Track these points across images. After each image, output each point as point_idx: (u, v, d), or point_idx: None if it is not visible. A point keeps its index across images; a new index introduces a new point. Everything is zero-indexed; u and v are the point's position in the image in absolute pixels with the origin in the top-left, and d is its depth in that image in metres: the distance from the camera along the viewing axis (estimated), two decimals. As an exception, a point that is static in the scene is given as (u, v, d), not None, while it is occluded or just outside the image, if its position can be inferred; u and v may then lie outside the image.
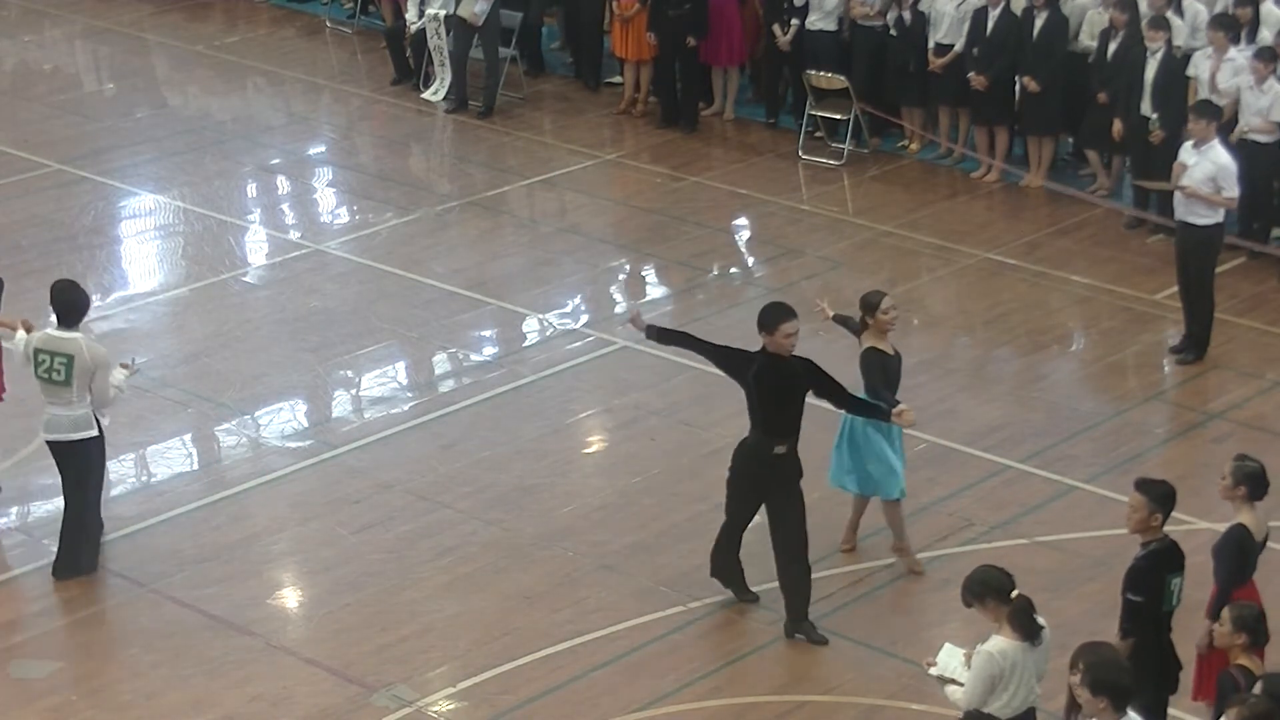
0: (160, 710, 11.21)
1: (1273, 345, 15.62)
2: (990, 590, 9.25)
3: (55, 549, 12.41)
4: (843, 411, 12.05)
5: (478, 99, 20.78)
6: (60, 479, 12.37)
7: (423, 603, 12.20)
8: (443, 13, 20.71)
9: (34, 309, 15.66)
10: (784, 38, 19.72)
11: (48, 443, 12.23)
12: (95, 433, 12.14)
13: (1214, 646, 9.70)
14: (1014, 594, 9.24)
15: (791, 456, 11.60)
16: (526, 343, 15.88)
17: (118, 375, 12.21)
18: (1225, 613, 9.34)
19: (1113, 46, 17.65)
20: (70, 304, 12.10)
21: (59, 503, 13.09)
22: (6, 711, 11.18)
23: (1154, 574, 9.88)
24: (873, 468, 12.24)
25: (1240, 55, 16.77)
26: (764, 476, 11.63)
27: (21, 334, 12.45)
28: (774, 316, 11.41)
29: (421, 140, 20.69)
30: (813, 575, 11.88)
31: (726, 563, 12.04)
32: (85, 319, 12.31)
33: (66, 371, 11.95)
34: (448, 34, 20.77)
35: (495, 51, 20.67)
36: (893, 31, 19.07)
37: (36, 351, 12.02)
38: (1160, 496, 9.94)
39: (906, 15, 18.90)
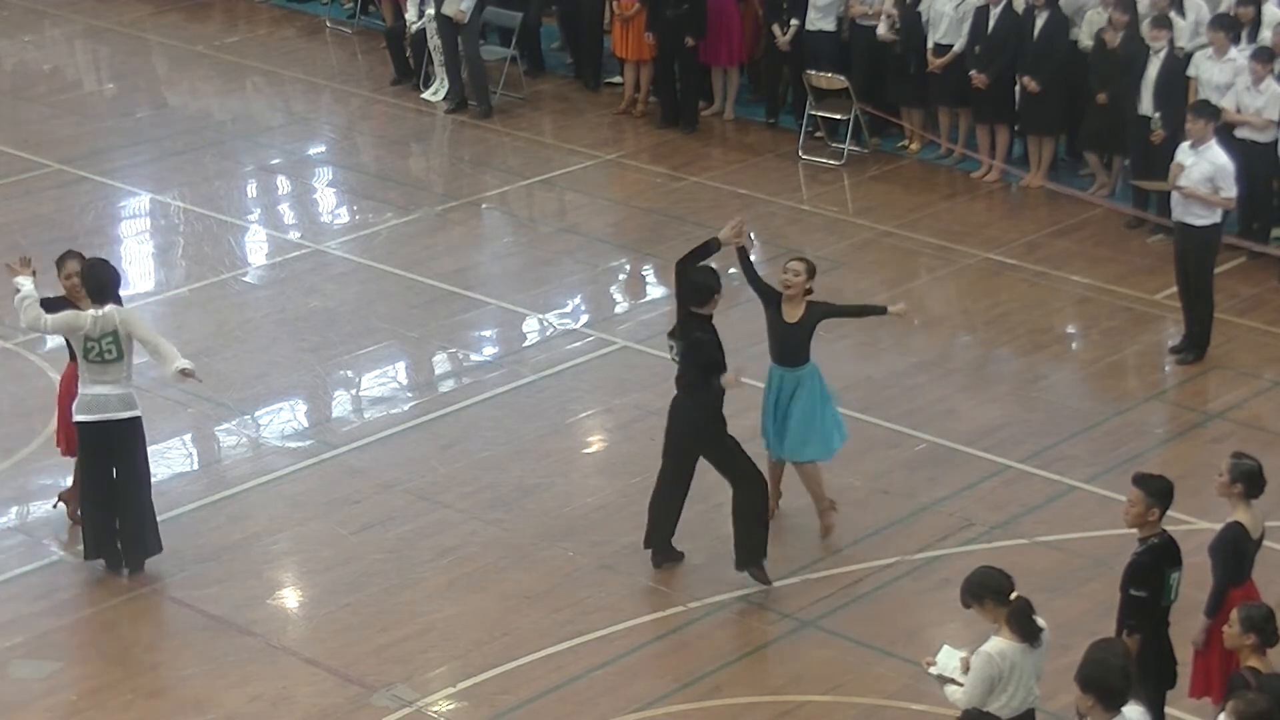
0: (160, 710, 11.22)
1: (1273, 345, 15.62)
2: (989, 591, 9.26)
3: (117, 543, 12.38)
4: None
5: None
6: (98, 466, 12.18)
7: (423, 603, 12.20)
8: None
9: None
10: (783, 38, 19.72)
11: (92, 424, 12.02)
12: (140, 412, 12.19)
13: (1223, 647, 9.70)
14: (1013, 595, 9.24)
15: None
16: (526, 343, 15.88)
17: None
18: (1234, 614, 9.31)
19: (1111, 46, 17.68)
20: (98, 281, 12.05)
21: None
22: (6, 711, 11.19)
23: (1154, 569, 9.91)
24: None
25: (1240, 55, 16.77)
26: (722, 431, 12.23)
27: (25, 280, 12.24)
28: (717, 279, 12.24)
29: (421, 140, 20.69)
30: (814, 575, 11.98)
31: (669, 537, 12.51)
32: (120, 291, 12.21)
33: (118, 348, 11.96)
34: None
35: (476, 49, 20.65)
36: (894, 30, 19.04)
37: (86, 338, 11.95)
38: (1158, 491, 9.97)
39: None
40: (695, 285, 12.18)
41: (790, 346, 12.59)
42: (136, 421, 12.19)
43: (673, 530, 12.48)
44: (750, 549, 12.20)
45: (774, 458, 12.78)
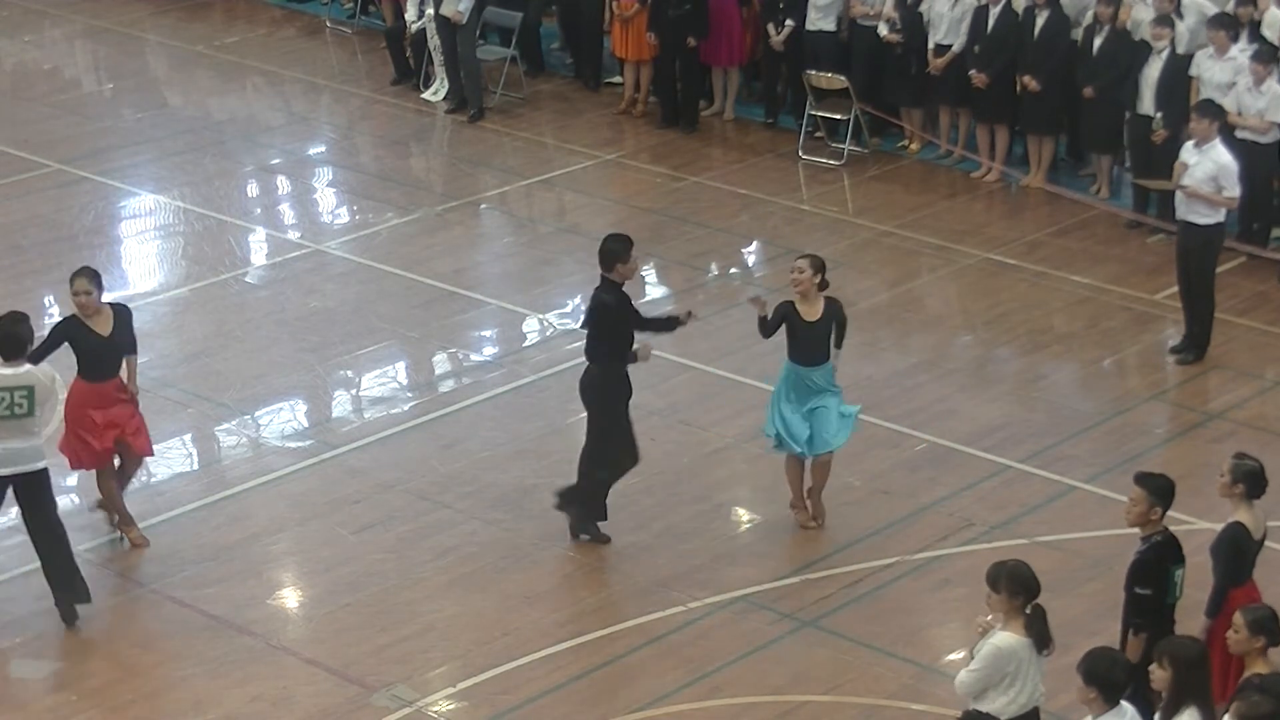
0: (160, 710, 11.22)
1: (1273, 345, 15.62)
2: (1020, 589, 9.18)
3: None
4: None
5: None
6: (23, 516, 11.93)
7: (423, 603, 12.20)
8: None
9: (34, 309, 15.71)
10: (777, 37, 19.71)
11: (6, 478, 11.65)
12: (46, 463, 11.82)
13: (1224, 647, 9.70)
14: (1034, 604, 9.25)
15: None
16: (526, 343, 15.88)
17: None
18: (1238, 618, 9.27)
19: (1098, 42, 17.71)
20: (14, 337, 11.59)
21: (61, 503, 13.10)
22: (6, 711, 11.19)
23: (1158, 565, 9.94)
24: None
25: (1241, 55, 16.76)
26: (627, 398, 12.52)
27: None
28: (626, 246, 12.42)
29: (421, 140, 20.68)
30: (814, 575, 12.03)
31: (599, 507, 12.80)
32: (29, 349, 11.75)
33: (29, 403, 11.53)
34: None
35: (473, 51, 20.63)
36: (894, 34, 19.01)
37: None
38: (1160, 490, 9.98)
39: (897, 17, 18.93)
40: (603, 249, 12.49)
41: (809, 345, 12.57)
42: (46, 471, 11.78)
43: (603, 502, 12.78)
44: (591, 511, 12.78)
45: (802, 455, 12.70)
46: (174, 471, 13.81)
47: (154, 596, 12.28)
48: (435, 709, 11.19)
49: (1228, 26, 16.94)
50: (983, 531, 12.91)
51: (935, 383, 14.94)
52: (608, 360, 12.45)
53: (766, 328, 12.59)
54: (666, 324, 12.84)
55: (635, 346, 12.47)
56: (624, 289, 12.48)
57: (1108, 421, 14.40)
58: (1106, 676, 8.53)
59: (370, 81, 21.97)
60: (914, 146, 19.59)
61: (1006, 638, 9.20)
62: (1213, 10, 17.51)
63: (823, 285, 12.50)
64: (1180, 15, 17.60)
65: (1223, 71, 16.80)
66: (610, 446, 12.62)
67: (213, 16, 24.40)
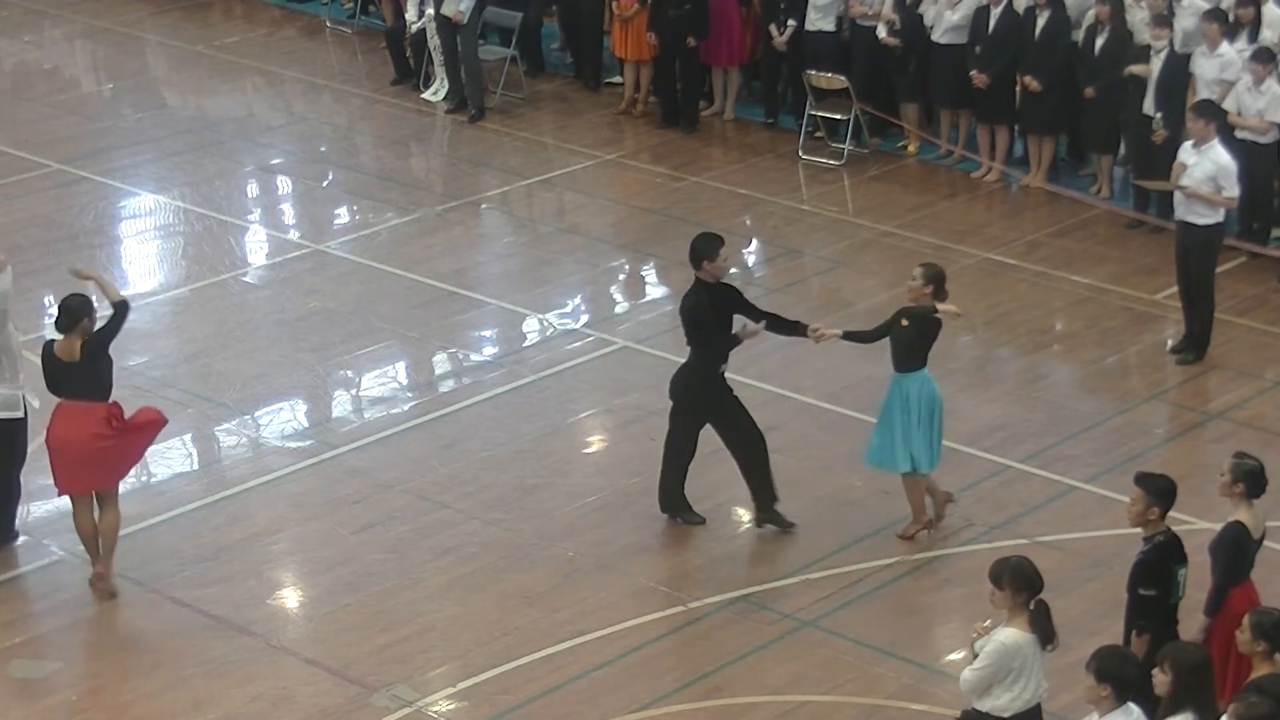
0: (160, 710, 11.22)
1: (1273, 345, 15.62)
2: (1024, 585, 9.21)
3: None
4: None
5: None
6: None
7: (423, 603, 12.20)
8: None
9: (34, 309, 15.72)
10: (779, 38, 19.72)
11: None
12: (22, 413, 12.45)
13: (1222, 646, 9.71)
14: (1038, 599, 9.26)
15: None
16: (526, 343, 15.88)
17: None
18: (1245, 619, 9.29)
19: (1098, 42, 17.71)
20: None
21: (60, 503, 13.13)
22: (6, 711, 11.19)
23: (1161, 565, 9.94)
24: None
25: (1237, 54, 16.75)
26: (719, 398, 12.65)
27: None
28: (713, 245, 12.49)
29: (421, 140, 20.69)
30: (814, 575, 12.03)
31: (678, 496, 12.93)
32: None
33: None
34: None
35: (474, 50, 20.64)
36: (891, 37, 19.00)
37: None
38: (1159, 490, 9.99)
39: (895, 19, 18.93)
40: (690, 249, 12.61)
41: (895, 347, 12.56)
42: (19, 424, 12.58)
43: (679, 492, 12.88)
44: (766, 499, 12.86)
45: (924, 472, 12.65)
46: (174, 471, 13.81)
47: (154, 596, 12.28)
48: (435, 709, 11.20)
49: (1221, 21, 16.92)
50: (983, 531, 12.92)
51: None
52: (702, 358, 12.61)
53: (876, 332, 12.68)
54: (787, 326, 12.83)
55: (737, 329, 12.61)
56: (720, 286, 12.56)
57: (1108, 421, 14.40)
58: (1119, 673, 8.53)
59: (370, 81, 21.98)
60: (912, 148, 19.59)
61: (1011, 634, 9.21)
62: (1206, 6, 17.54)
63: (938, 295, 12.42)
64: (1173, 13, 17.60)
65: (1211, 67, 16.78)
66: (738, 438, 12.76)
67: (212, 16, 24.41)
